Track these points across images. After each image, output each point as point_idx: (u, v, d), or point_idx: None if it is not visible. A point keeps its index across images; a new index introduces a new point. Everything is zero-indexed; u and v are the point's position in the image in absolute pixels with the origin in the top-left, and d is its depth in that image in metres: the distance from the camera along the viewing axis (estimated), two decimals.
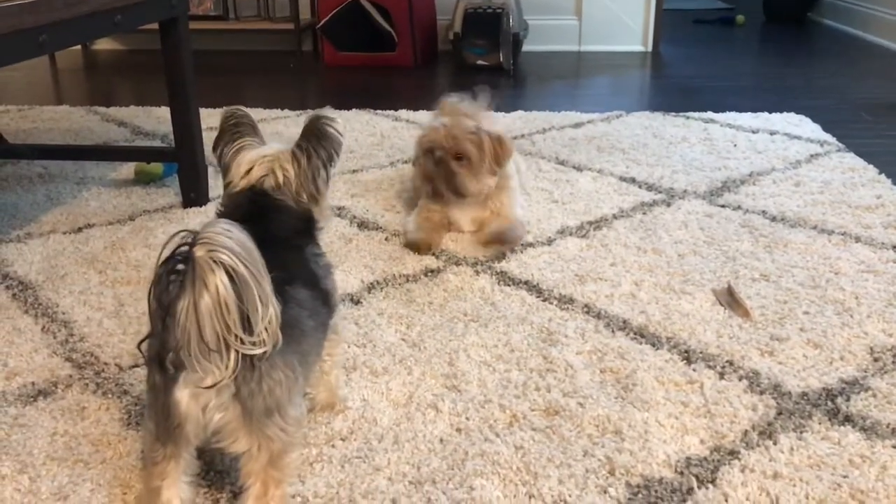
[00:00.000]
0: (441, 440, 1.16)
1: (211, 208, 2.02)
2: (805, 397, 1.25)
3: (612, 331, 1.44)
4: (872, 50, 4.16)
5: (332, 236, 1.83)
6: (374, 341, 1.42)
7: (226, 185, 1.11)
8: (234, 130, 1.11)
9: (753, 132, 2.62)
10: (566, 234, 1.86)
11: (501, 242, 1.76)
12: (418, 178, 1.88)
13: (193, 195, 2.03)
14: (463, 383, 1.29)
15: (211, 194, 2.07)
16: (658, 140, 2.56)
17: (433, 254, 1.76)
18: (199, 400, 0.89)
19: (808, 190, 2.10)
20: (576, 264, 1.71)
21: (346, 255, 1.76)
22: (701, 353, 1.37)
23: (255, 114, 2.87)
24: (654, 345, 1.40)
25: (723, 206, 2.01)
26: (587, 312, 1.51)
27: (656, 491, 1.05)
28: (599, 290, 1.59)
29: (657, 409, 1.22)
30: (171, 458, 0.94)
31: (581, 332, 1.44)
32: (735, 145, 2.49)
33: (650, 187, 2.15)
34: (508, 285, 1.62)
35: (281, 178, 1.07)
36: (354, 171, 2.30)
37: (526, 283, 1.63)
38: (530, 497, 1.05)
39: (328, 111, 1.08)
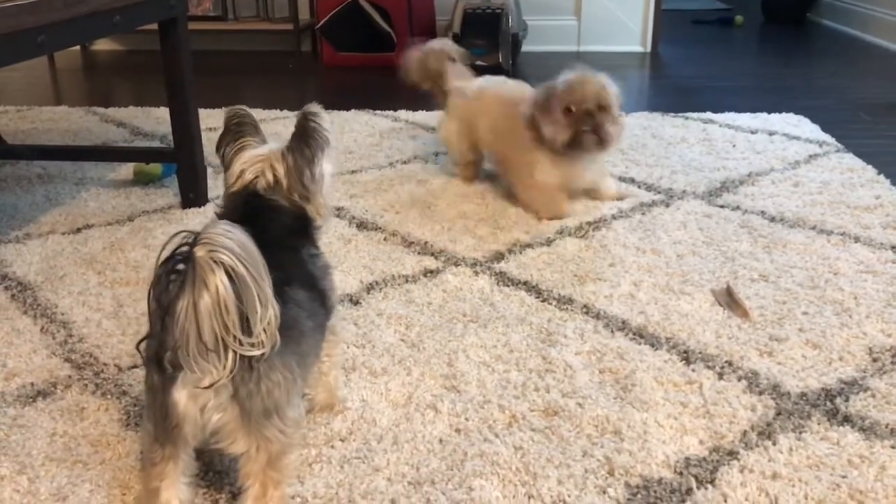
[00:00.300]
0: (440, 441, 1.16)
1: (210, 209, 2.02)
2: (804, 398, 1.25)
3: (612, 331, 1.44)
4: (871, 50, 4.16)
5: (331, 237, 1.83)
6: (373, 342, 1.42)
7: (226, 186, 1.11)
8: (236, 130, 1.11)
9: (752, 132, 2.62)
10: (565, 234, 1.87)
11: (621, 196, 2.05)
12: (555, 132, 1.89)
13: (192, 196, 2.03)
14: (462, 384, 1.29)
15: (210, 195, 2.07)
16: (657, 140, 2.56)
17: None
18: (198, 400, 0.89)
19: (807, 190, 2.10)
20: (575, 265, 1.71)
21: (345, 256, 1.76)
22: (700, 353, 1.37)
23: (254, 114, 2.87)
24: (653, 345, 1.40)
25: (722, 207, 2.01)
26: (586, 313, 1.51)
27: (655, 491, 1.06)
28: (598, 290, 1.60)
29: (656, 409, 1.22)
30: (170, 458, 0.94)
31: (580, 333, 1.44)
32: (734, 146, 2.49)
33: (649, 188, 2.15)
34: (507, 286, 1.62)
35: (271, 179, 1.06)
36: (353, 172, 2.30)
37: (525, 283, 1.63)
38: (529, 497, 1.05)
39: (312, 107, 1.07)
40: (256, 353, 0.86)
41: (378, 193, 2.13)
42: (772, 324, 1.46)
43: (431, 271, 1.69)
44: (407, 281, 1.64)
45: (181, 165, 2.02)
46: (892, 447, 1.13)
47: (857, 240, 1.80)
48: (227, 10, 4.20)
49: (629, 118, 2.82)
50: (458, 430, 1.18)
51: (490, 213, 2.00)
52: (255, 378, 0.89)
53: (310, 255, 1.10)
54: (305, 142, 1.06)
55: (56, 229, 1.91)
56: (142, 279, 1.65)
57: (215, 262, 0.81)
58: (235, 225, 0.85)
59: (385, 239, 1.85)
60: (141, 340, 0.90)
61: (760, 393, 1.26)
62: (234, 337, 0.84)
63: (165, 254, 0.84)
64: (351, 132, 2.69)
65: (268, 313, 0.85)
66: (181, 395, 0.88)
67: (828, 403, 1.23)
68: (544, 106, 1.92)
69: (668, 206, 2.02)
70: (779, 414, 1.21)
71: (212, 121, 2.45)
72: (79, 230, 1.90)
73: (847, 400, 1.24)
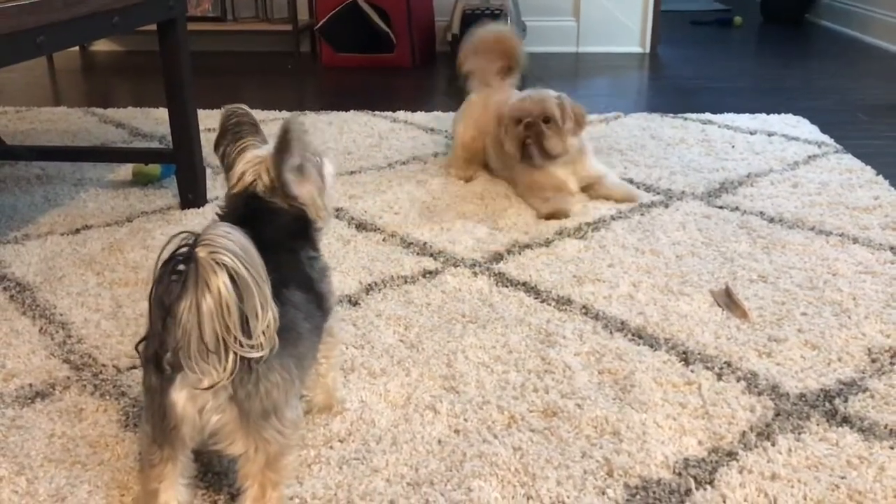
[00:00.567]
0: (439, 441, 1.16)
1: (209, 210, 2.02)
2: (803, 398, 1.25)
3: (611, 332, 1.44)
4: (870, 51, 4.16)
5: (330, 237, 1.83)
6: (372, 343, 1.42)
7: (228, 187, 1.11)
8: (235, 130, 1.10)
9: (751, 133, 2.62)
10: (564, 235, 1.87)
11: (632, 199, 2.06)
12: (509, 145, 2.06)
13: (191, 196, 2.03)
14: (461, 384, 1.29)
15: (209, 196, 2.07)
16: (656, 141, 2.56)
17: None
18: (196, 402, 0.89)
19: (806, 191, 2.10)
20: (574, 265, 1.71)
21: (344, 257, 1.76)
22: (699, 354, 1.37)
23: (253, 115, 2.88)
24: (652, 346, 1.40)
25: (721, 208, 2.01)
26: (585, 313, 1.51)
27: (654, 492, 1.06)
28: (597, 291, 1.60)
29: (655, 410, 1.22)
30: (168, 460, 0.93)
31: (579, 334, 1.44)
32: (733, 146, 2.49)
33: (648, 188, 2.15)
34: (506, 286, 1.62)
35: (268, 181, 1.06)
36: (352, 173, 2.30)
37: (524, 284, 1.63)
38: (528, 498, 1.05)
39: (293, 116, 1.07)
40: (256, 354, 0.86)
41: (377, 194, 2.13)
42: (771, 324, 1.46)
43: (430, 272, 1.69)
44: (406, 282, 1.64)
45: (180, 166, 2.02)
46: (891, 448, 1.14)
47: (855, 241, 1.80)
48: (226, 10, 4.20)
49: (628, 119, 2.82)
50: (456, 431, 1.18)
51: (489, 213, 2.00)
52: (253, 379, 0.89)
53: (308, 257, 1.09)
54: (279, 148, 1.05)
55: (55, 230, 1.91)
56: (141, 280, 1.65)
57: (217, 263, 0.81)
58: (235, 226, 0.85)
59: (384, 240, 1.85)
60: (140, 341, 0.90)
61: (759, 394, 1.26)
62: (235, 338, 0.84)
63: (166, 254, 0.84)
64: (350, 133, 2.69)
65: (268, 315, 0.85)
66: (180, 397, 0.88)
67: (827, 404, 1.23)
68: (502, 122, 2.09)
69: (667, 206, 2.03)
70: (778, 415, 1.21)
71: (211, 121, 2.45)
72: (77, 231, 1.90)
73: (846, 401, 1.24)
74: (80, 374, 1.33)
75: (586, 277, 1.65)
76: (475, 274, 1.68)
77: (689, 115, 2.86)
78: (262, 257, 0.85)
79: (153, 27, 1.88)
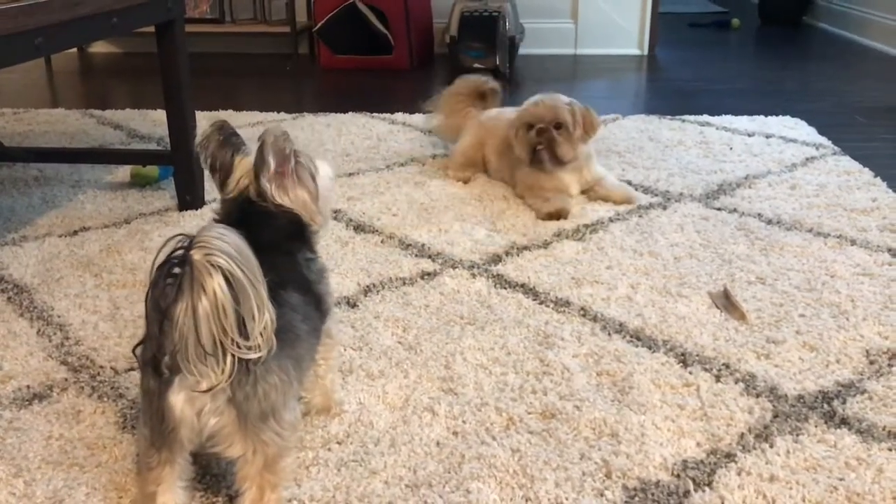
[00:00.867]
0: (437, 443, 1.15)
1: (206, 211, 2.02)
2: (801, 400, 1.25)
3: (609, 334, 1.44)
4: (868, 53, 4.17)
5: (328, 239, 1.83)
6: (370, 344, 1.41)
7: (225, 191, 1.11)
8: (228, 140, 1.11)
9: (749, 135, 2.62)
10: (562, 237, 1.87)
11: (630, 201, 2.06)
12: (519, 149, 2.07)
13: (189, 198, 2.03)
14: (459, 386, 1.29)
15: (207, 197, 2.07)
16: (654, 143, 2.56)
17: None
18: (194, 404, 0.89)
19: (804, 193, 2.11)
20: (572, 267, 1.71)
21: (342, 259, 1.76)
22: (697, 355, 1.37)
23: (251, 117, 2.88)
24: (650, 348, 1.40)
25: (719, 210, 2.01)
26: (583, 315, 1.51)
27: (653, 494, 1.05)
28: (596, 293, 1.60)
29: (654, 411, 1.22)
30: (166, 463, 0.93)
31: (577, 335, 1.44)
32: (731, 148, 2.49)
33: (646, 190, 2.15)
34: (505, 288, 1.62)
35: (256, 188, 1.06)
36: (351, 175, 2.30)
37: (522, 286, 1.63)
38: (527, 500, 1.05)
39: (273, 127, 1.07)
40: (254, 355, 0.86)
41: (375, 196, 2.13)
42: (769, 326, 1.47)
43: (429, 274, 1.69)
44: (404, 283, 1.64)
45: (178, 168, 2.02)
46: (890, 449, 1.14)
47: (853, 242, 1.80)
48: (225, 12, 4.20)
49: (626, 121, 2.82)
50: (455, 433, 1.18)
51: (487, 215, 2.00)
52: (251, 381, 0.89)
53: (305, 259, 1.10)
54: (257, 159, 1.05)
55: (53, 232, 1.91)
56: (138, 281, 1.65)
57: (212, 265, 0.81)
58: (230, 228, 0.85)
59: (382, 241, 1.85)
60: (137, 345, 0.89)
61: (757, 395, 1.26)
62: (232, 340, 0.84)
63: (161, 258, 0.83)
64: (348, 135, 2.69)
65: (264, 317, 0.85)
66: (178, 399, 0.88)
67: (825, 406, 1.23)
68: (514, 126, 2.10)
69: (665, 208, 2.03)
70: (776, 416, 1.21)
71: (207, 123, 2.45)
72: (75, 232, 1.90)
73: (844, 402, 1.24)
74: (78, 375, 1.33)
75: (584, 279, 1.65)
76: (473, 276, 1.68)
77: (687, 117, 2.86)
78: (258, 259, 0.85)
79: (151, 29, 1.88)
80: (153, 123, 2.81)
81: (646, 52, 4.18)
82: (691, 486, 1.07)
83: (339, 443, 1.16)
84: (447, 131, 2.46)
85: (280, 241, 1.06)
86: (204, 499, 1.05)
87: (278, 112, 2.95)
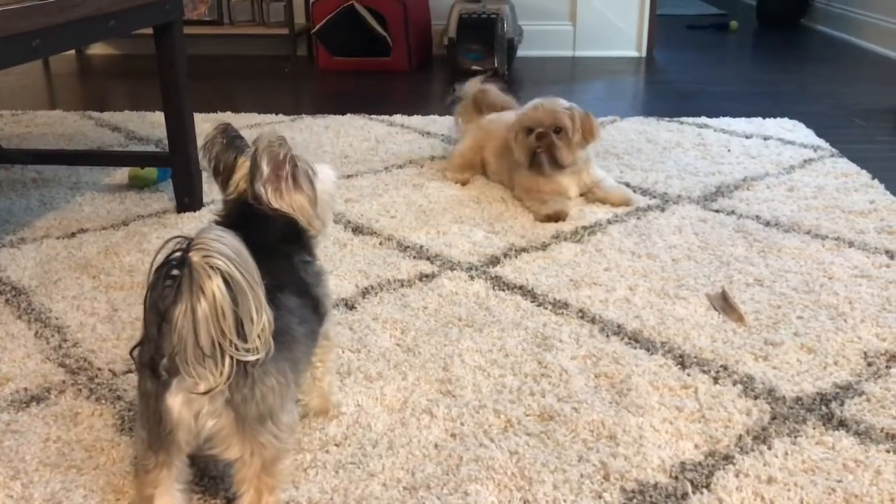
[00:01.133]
0: (436, 445, 1.15)
1: (205, 213, 2.02)
2: (799, 402, 1.25)
3: (607, 336, 1.44)
4: (865, 56, 4.18)
5: (326, 241, 1.83)
6: (368, 346, 1.41)
7: (226, 193, 1.11)
8: (232, 142, 1.11)
9: (747, 137, 2.62)
10: (561, 239, 1.87)
11: (628, 202, 2.07)
12: (519, 153, 2.08)
13: (187, 200, 2.03)
14: (457, 388, 1.29)
15: (205, 199, 2.07)
16: (652, 145, 2.57)
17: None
18: (192, 406, 0.89)
19: (802, 195, 2.11)
20: (570, 269, 1.71)
21: (340, 261, 1.76)
22: (695, 357, 1.37)
23: (250, 119, 2.89)
24: (648, 350, 1.40)
25: (717, 211, 2.01)
26: (582, 317, 1.51)
27: (651, 496, 1.05)
28: (594, 295, 1.60)
29: (652, 413, 1.22)
30: (164, 465, 0.93)
31: (575, 337, 1.44)
32: (729, 150, 2.50)
33: (644, 192, 2.16)
34: (503, 290, 1.62)
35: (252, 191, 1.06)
36: (349, 177, 2.30)
37: (520, 287, 1.63)
38: (525, 502, 1.04)
39: (268, 132, 1.07)
40: (252, 357, 0.86)
41: (373, 198, 2.13)
42: (767, 328, 1.47)
43: (427, 276, 1.69)
44: (402, 285, 1.64)
45: (176, 170, 2.02)
46: (888, 451, 1.14)
47: (851, 244, 1.81)
48: (223, 14, 4.20)
49: (624, 123, 2.83)
50: (453, 435, 1.18)
51: (485, 217, 2.00)
52: (249, 383, 0.89)
53: (303, 261, 1.10)
54: (251, 164, 1.05)
55: (51, 233, 1.90)
56: (136, 283, 1.65)
57: (211, 267, 0.81)
58: (228, 230, 0.85)
59: (380, 243, 1.85)
60: (134, 347, 0.89)
61: (756, 397, 1.26)
62: (231, 342, 0.84)
63: (160, 259, 0.83)
64: (346, 137, 2.69)
65: (262, 319, 0.85)
66: (175, 401, 0.88)
67: (823, 408, 1.23)
68: (513, 129, 2.10)
69: (663, 210, 2.03)
70: (774, 418, 1.21)
71: (207, 125, 2.45)
72: (73, 234, 1.90)
73: (842, 404, 1.24)
74: (76, 378, 1.33)
75: (583, 281, 1.65)
76: (472, 278, 1.68)
77: (685, 118, 2.87)
78: (255, 262, 0.85)
79: (150, 31, 1.88)
80: (151, 125, 2.81)
81: (644, 54, 4.18)
82: (689, 488, 1.07)
83: (336, 445, 1.16)
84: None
85: (278, 243, 1.07)
86: (202, 501, 1.05)
87: (277, 114, 2.95)
